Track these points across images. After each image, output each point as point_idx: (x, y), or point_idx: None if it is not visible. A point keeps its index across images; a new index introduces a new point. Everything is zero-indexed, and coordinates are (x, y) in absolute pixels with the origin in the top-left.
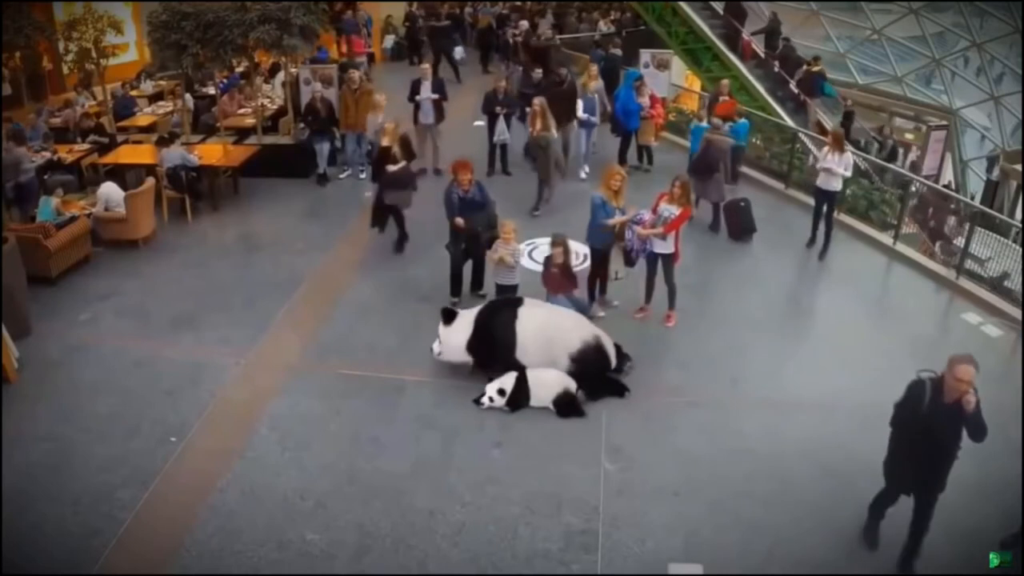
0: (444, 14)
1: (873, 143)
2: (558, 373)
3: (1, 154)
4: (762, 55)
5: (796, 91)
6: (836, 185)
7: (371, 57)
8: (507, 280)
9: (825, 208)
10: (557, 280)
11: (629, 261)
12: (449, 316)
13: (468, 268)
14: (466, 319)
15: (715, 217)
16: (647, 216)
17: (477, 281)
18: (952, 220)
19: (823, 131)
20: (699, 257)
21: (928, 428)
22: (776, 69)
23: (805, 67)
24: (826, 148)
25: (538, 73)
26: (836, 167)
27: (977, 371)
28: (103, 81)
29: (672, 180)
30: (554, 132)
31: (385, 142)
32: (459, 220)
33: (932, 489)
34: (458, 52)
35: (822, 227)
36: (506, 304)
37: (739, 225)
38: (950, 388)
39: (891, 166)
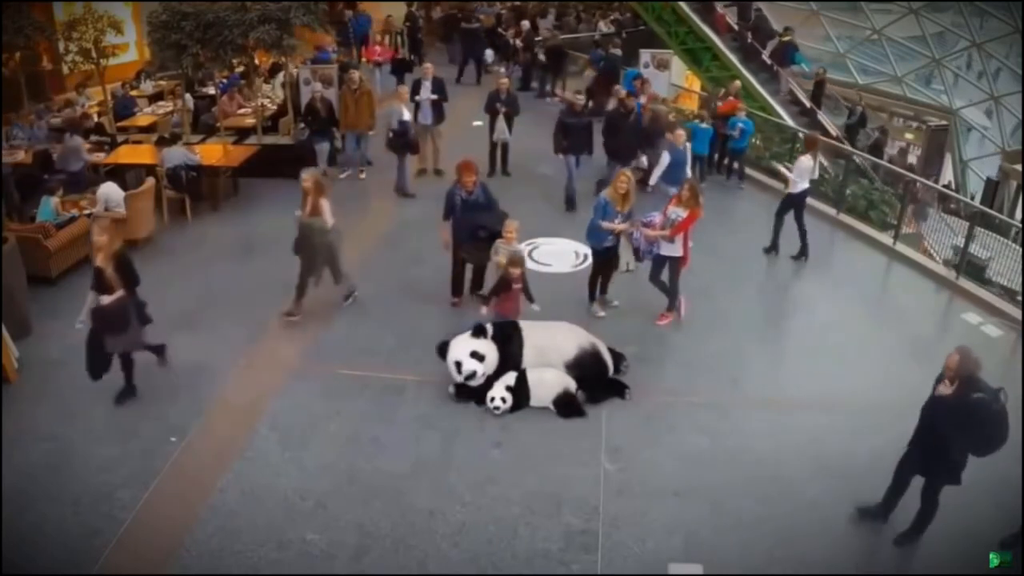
0: (472, 15)
1: (843, 109)
2: (558, 373)
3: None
4: (735, 27)
5: (769, 61)
6: (791, 188)
7: (401, 62)
8: None
9: (777, 211)
10: (515, 302)
11: (639, 256)
12: (483, 331)
13: (468, 268)
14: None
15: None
16: (657, 218)
17: (477, 282)
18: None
19: (795, 101)
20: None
21: (925, 416)
22: (749, 40)
23: (778, 38)
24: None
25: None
26: (788, 172)
27: (960, 359)
28: (103, 81)
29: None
30: (328, 219)
31: (98, 261)
32: (444, 236)
33: (936, 475)
34: (489, 55)
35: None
36: (508, 325)
37: None
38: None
39: (863, 154)
